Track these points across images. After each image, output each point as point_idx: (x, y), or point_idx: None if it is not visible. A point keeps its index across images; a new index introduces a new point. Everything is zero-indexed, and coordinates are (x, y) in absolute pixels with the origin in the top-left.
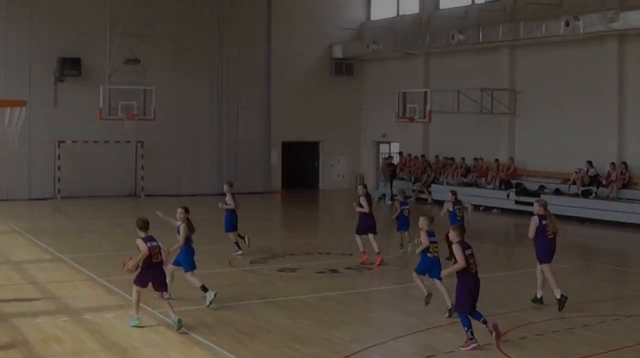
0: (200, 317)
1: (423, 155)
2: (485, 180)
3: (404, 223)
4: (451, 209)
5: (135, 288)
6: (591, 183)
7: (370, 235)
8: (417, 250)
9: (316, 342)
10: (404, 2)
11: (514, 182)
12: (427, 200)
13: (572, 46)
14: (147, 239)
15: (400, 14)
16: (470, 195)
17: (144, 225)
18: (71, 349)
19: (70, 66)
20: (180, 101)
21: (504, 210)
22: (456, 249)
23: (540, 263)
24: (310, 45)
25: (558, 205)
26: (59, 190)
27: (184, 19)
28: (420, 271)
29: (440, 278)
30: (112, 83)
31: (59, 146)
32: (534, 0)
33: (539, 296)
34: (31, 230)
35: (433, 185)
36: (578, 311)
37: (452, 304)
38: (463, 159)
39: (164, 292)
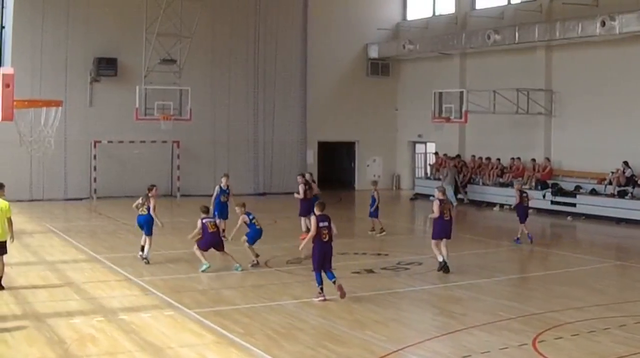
0: (235, 317)
1: (459, 155)
2: (521, 181)
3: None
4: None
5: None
6: (627, 184)
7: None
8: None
9: (351, 342)
10: (440, 2)
11: (550, 182)
12: (463, 200)
13: (608, 46)
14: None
15: (436, 14)
16: (506, 196)
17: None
18: (106, 349)
19: (106, 66)
20: (216, 101)
21: (539, 211)
22: (313, 221)
23: (433, 238)
24: (346, 45)
25: (594, 205)
26: (94, 190)
27: (219, 19)
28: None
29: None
30: (147, 83)
31: (94, 146)
32: (570, 0)
33: (440, 260)
34: (67, 230)
35: (469, 186)
36: (614, 311)
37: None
38: (499, 159)
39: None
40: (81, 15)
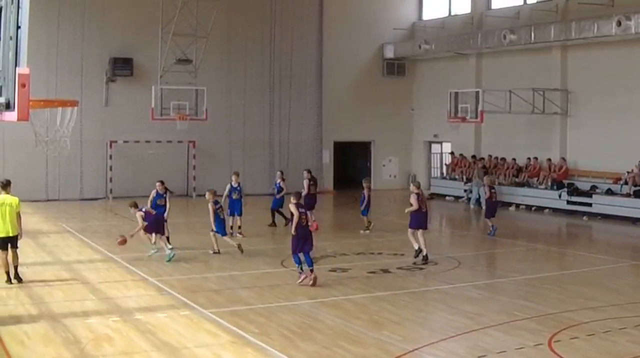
0: (251, 316)
1: (474, 156)
2: (537, 180)
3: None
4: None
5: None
6: None
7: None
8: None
9: (368, 342)
10: (455, 2)
11: (565, 182)
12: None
13: (624, 46)
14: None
15: (452, 13)
16: (522, 195)
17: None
18: (122, 349)
19: (121, 66)
20: (231, 101)
21: (555, 210)
22: (293, 209)
23: (411, 228)
24: (361, 45)
25: (610, 205)
26: (110, 190)
27: (235, 19)
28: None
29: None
30: (163, 83)
31: (110, 146)
32: (586, 0)
33: (416, 247)
34: (83, 230)
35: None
36: (630, 311)
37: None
38: (514, 159)
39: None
40: (97, 15)
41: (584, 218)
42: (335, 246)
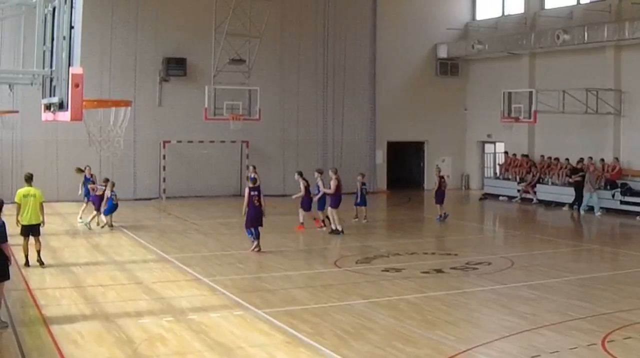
0: (305, 317)
1: (527, 155)
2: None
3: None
4: (360, 188)
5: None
6: None
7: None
8: None
9: (421, 342)
10: (509, 2)
11: (619, 182)
12: (532, 200)
13: None
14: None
15: (506, 14)
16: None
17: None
18: (176, 349)
19: (175, 66)
20: (285, 101)
21: (608, 210)
22: (246, 192)
23: (332, 207)
24: (415, 45)
25: None
26: (164, 190)
27: (288, 19)
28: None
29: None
30: (217, 83)
31: (163, 146)
32: (639, 0)
33: (341, 228)
34: (136, 230)
35: (538, 185)
36: None
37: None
38: (567, 159)
39: None
40: (150, 16)
41: (638, 218)
42: (388, 246)
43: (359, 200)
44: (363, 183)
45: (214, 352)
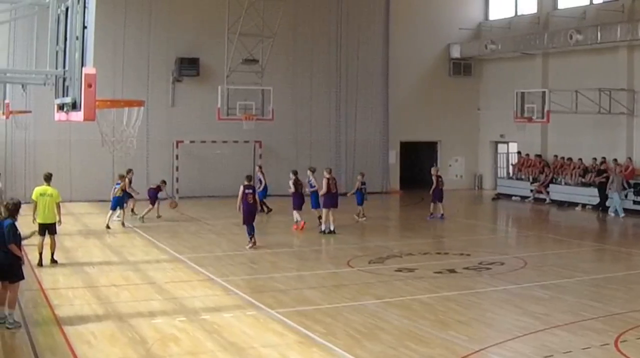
0: (317, 317)
1: (540, 155)
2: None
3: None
4: (359, 187)
5: None
6: None
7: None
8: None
9: (434, 342)
10: (522, 2)
11: (632, 182)
12: (545, 200)
13: None
14: None
15: (519, 13)
16: (588, 195)
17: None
18: (189, 349)
19: (188, 66)
20: (298, 101)
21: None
22: (240, 191)
23: (325, 208)
24: (428, 45)
25: None
26: (177, 190)
27: (302, 19)
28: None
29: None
30: (230, 83)
31: (176, 146)
32: None
33: (332, 228)
34: (149, 230)
35: (551, 185)
36: None
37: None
38: (580, 159)
39: None
40: (163, 16)
41: None
42: (401, 246)
43: (358, 199)
44: (363, 183)
45: (226, 352)
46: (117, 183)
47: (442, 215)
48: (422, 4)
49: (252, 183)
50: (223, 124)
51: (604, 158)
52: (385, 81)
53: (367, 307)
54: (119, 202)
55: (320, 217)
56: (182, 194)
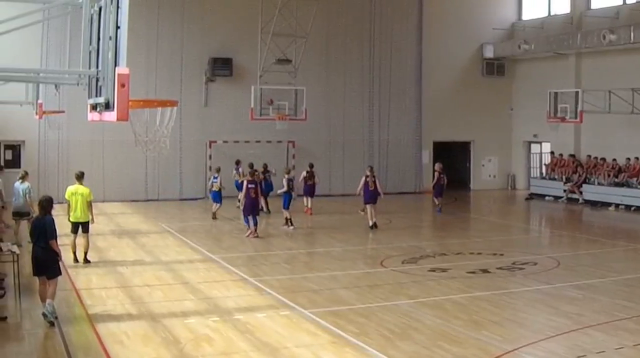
0: (351, 317)
1: (573, 155)
2: (637, 181)
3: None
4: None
5: None
6: None
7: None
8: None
9: (467, 342)
10: (555, 2)
11: None
12: (578, 200)
13: None
14: None
15: (552, 13)
16: (622, 195)
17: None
18: (222, 349)
19: (221, 66)
20: (331, 101)
21: None
22: (244, 185)
23: (366, 204)
24: (461, 45)
25: None
26: (210, 190)
27: (335, 19)
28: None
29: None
30: (263, 83)
31: (210, 146)
32: None
33: (372, 223)
34: (182, 230)
35: (584, 185)
36: None
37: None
38: (614, 159)
39: None
40: (196, 16)
41: None
42: (434, 246)
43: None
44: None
45: (259, 352)
46: (215, 177)
47: (440, 208)
48: (456, 3)
49: (254, 179)
50: (256, 124)
51: (637, 158)
52: (418, 81)
53: (400, 307)
54: (219, 195)
55: (287, 218)
56: None
